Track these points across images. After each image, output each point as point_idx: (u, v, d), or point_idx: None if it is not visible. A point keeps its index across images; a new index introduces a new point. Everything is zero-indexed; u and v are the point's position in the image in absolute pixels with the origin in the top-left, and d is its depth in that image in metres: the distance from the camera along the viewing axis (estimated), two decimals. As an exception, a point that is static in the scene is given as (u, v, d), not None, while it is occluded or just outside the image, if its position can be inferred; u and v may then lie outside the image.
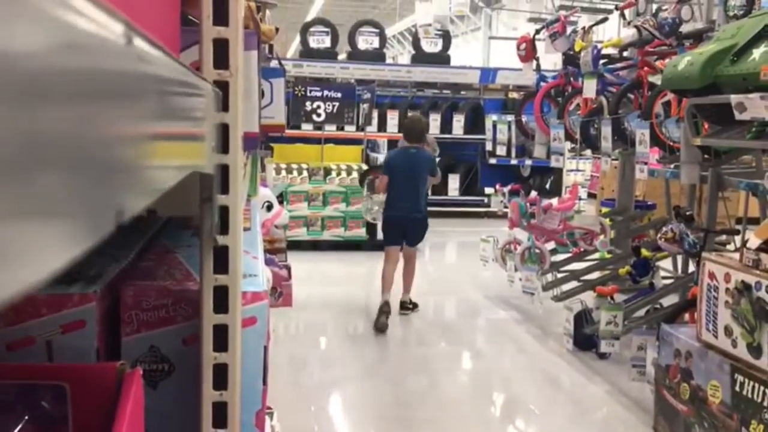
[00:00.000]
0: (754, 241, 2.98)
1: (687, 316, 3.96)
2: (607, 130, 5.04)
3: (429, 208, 6.36)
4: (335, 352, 4.99)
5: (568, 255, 6.06)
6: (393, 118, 10.72)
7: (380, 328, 5.39)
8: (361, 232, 8.41)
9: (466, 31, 21.81)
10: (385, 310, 5.50)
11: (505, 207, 6.43)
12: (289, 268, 3.18)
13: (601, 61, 5.52)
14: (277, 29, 2.27)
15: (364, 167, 8.57)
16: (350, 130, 9.40)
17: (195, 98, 0.74)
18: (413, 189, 5.56)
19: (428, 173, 5.66)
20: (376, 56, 11.19)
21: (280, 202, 4.18)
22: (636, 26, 5.10)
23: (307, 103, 8.40)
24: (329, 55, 10.94)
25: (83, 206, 0.30)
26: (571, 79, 6.02)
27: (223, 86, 0.99)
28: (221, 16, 0.98)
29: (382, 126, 10.60)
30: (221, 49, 0.99)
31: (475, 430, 3.80)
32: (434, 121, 10.47)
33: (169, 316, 1.10)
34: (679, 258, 5.48)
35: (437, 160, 6.72)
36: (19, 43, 0.22)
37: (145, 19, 0.69)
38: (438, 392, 4.30)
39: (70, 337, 1.01)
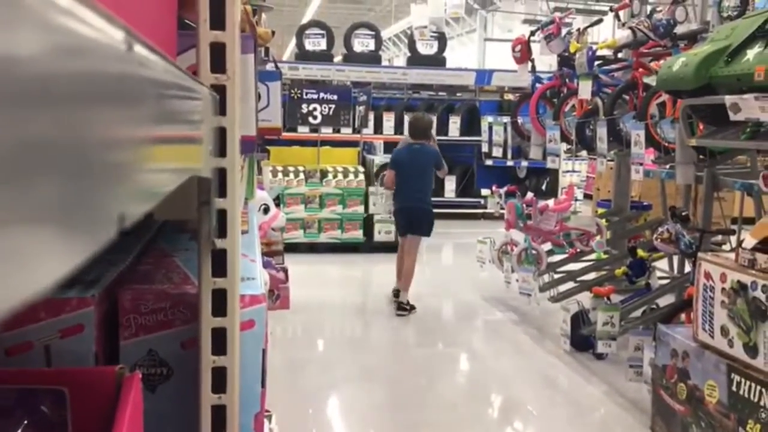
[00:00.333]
0: (749, 241, 2.99)
1: (683, 316, 3.96)
2: (602, 131, 5.06)
3: None
4: (333, 355, 4.99)
5: (565, 256, 6.07)
6: (389, 120, 10.73)
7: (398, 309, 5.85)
8: (358, 234, 8.41)
9: (461, 33, 21.84)
10: (396, 295, 5.99)
11: (502, 208, 6.44)
12: (286, 271, 3.18)
13: (596, 63, 5.53)
14: (273, 32, 2.27)
15: (361, 169, 8.59)
16: (346, 132, 9.41)
17: (192, 102, 0.74)
18: (418, 182, 5.90)
19: (433, 167, 5.98)
20: (372, 58, 11.20)
21: (277, 205, 4.18)
22: (631, 28, 5.12)
23: (303, 106, 8.40)
24: (325, 57, 10.94)
25: (85, 212, 0.30)
26: (567, 80, 6.03)
27: (220, 90, 1.00)
28: (218, 20, 0.99)
29: (378, 128, 10.60)
30: (218, 52, 0.99)
31: (473, 431, 3.80)
32: (430, 122, 10.46)
33: (168, 320, 1.10)
34: (675, 258, 5.49)
35: None
36: (18, 49, 0.23)
37: (142, 23, 0.69)
38: (436, 394, 4.31)
39: (69, 341, 1.01)
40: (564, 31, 6.07)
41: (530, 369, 4.76)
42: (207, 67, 0.99)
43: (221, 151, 1.00)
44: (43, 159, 0.25)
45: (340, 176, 8.43)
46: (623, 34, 5.32)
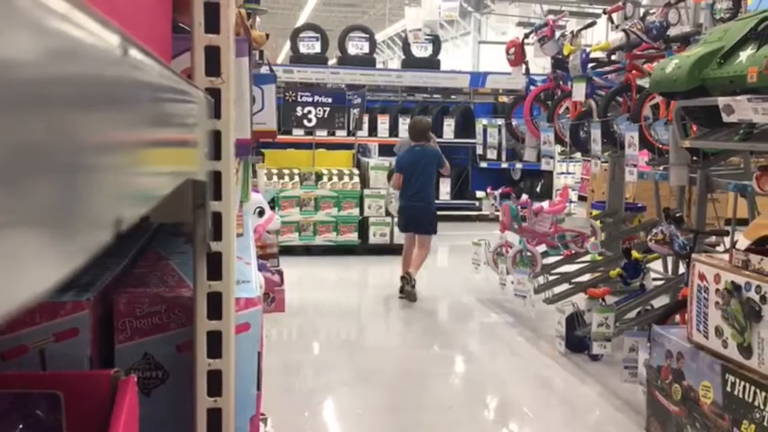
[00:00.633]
0: (743, 242, 3.01)
1: (678, 317, 3.98)
2: (596, 133, 5.07)
3: None
4: (328, 357, 4.98)
5: (560, 257, 6.08)
6: (384, 123, 10.74)
7: (405, 296, 6.24)
8: (353, 237, 8.41)
9: (455, 35, 21.87)
10: (404, 280, 6.31)
11: (497, 210, 6.45)
12: (281, 274, 3.18)
13: (590, 65, 5.55)
14: (267, 35, 2.27)
15: (356, 172, 8.59)
16: (341, 135, 9.41)
17: (187, 105, 0.74)
18: (419, 182, 6.31)
19: (435, 166, 6.36)
20: (367, 61, 11.20)
21: (272, 208, 4.18)
22: (624, 30, 5.13)
23: (298, 109, 8.40)
24: (319, 60, 10.94)
25: (81, 216, 0.30)
26: (561, 82, 6.04)
27: (215, 93, 1.00)
28: (212, 24, 0.99)
29: (372, 131, 10.61)
30: (213, 56, 0.99)
31: (468, 433, 3.80)
32: (425, 125, 10.48)
33: (163, 323, 1.10)
34: (670, 259, 5.50)
35: None
36: (14, 52, 0.23)
37: (137, 27, 0.69)
38: (431, 396, 4.31)
39: (64, 345, 1.01)
40: (558, 33, 6.09)
41: (526, 370, 4.76)
42: (202, 71, 0.99)
43: (216, 154, 1.00)
44: (39, 162, 0.25)
45: (335, 179, 8.43)
46: (616, 37, 5.33)
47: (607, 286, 4.98)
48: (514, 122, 6.66)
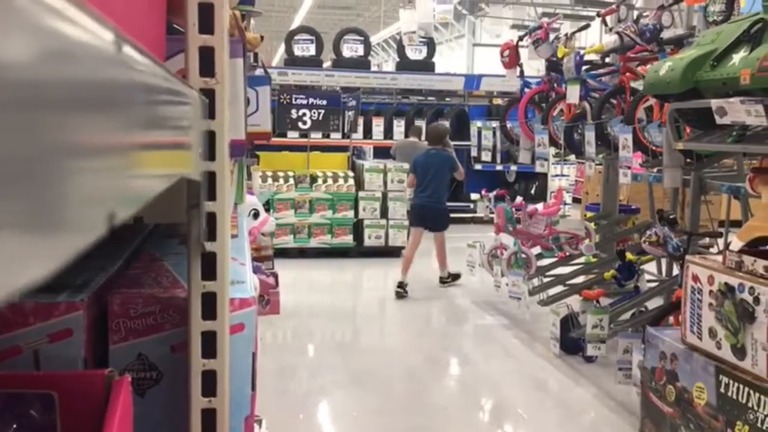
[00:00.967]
0: (736, 244, 3.02)
1: (672, 318, 3.99)
2: (590, 135, 5.09)
3: None
4: (323, 360, 4.98)
5: (554, 259, 6.09)
6: (378, 125, 10.74)
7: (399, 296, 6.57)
8: (348, 239, 8.41)
9: (450, 38, 21.91)
10: (399, 288, 6.57)
11: (491, 212, 6.46)
12: (276, 276, 3.17)
13: (584, 67, 5.57)
14: (262, 37, 2.27)
15: (351, 174, 8.60)
16: (336, 137, 9.41)
17: (182, 106, 0.75)
18: (432, 183, 6.70)
19: (449, 170, 6.77)
20: (361, 64, 11.22)
21: (267, 210, 4.17)
22: (618, 33, 5.15)
23: (293, 111, 8.40)
24: (314, 62, 10.95)
25: (75, 211, 0.30)
26: (555, 85, 6.06)
27: (209, 94, 1.00)
28: (207, 25, 0.99)
29: (367, 133, 10.62)
30: (207, 57, 1.00)
31: (463, 435, 3.80)
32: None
33: (157, 324, 1.10)
34: (664, 261, 5.52)
35: None
36: (7, 52, 0.23)
37: (131, 27, 0.69)
38: (426, 398, 4.31)
39: (58, 346, 1.01)
40: (552, 36, 6.11)
41: (520, 372, 4.77)
42: (196, 71, 0.99)
43: (211, 154, 1.00)
44: (32, 159, 0.26)
45: (329, 181, 8.42)
46: (610, 39, 5.35)
47: (602, 288, 4.99)
48: (508, 124, 6.68)
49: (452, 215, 10.99)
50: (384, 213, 8.50)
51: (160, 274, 1.24)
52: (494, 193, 6.51)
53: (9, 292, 0.23)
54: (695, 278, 3.08)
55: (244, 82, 1.48)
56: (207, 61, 0.99)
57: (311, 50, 10.87)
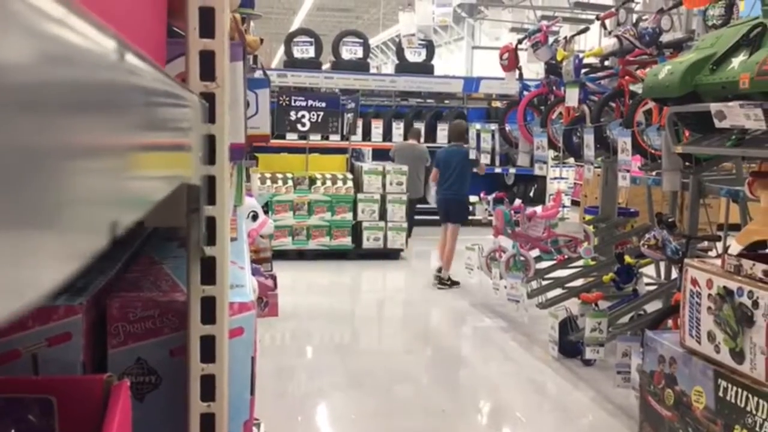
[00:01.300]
0: (735, 248, 3.02)
1: (670, 322, 3.99)
2: (589, 138, 5.09)
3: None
4: (322, 362, 4.97)
5: (553, 262, 6.09)
6: (377, 128, 10.75)
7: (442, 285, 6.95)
8: (346, 241, 8.41)
9: (449, 40, 21.93)
10: (442, 282, 7.00)
11: (490, 215, 6.46)
12: (274, 278, 3.17)
13: (583, 71, 5.57)
14: (261, 40, 2.27)
15: (350, 176, 8.60)
16: (335, 139, 9.41)
17: (182, 110, 0.74)
18: (453, 176, 7.17)
19: (468, 163, 7.16)
20: (360, 66, 11.22)
21: (266, 212, 4.17)
22: (617, 36, 5.16)
23: (292, 113, 8.40)
24: (313, 65, 10.95)
25: (77, 221, 0.30)
26: (554, 88, 6.06)
27: (209, 98, 1.00)
28: (207, 29, 0.99)
29: (366, 135, 10.62)
30: (207, 60, 0.99)
31: (462, 438, 3.80)
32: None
33: (156, 328, 1.10)
34: (662, 264, 5.52)
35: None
36: (9, 56, 0.23)
37: (132, 31, 0.69)
38: (424, 401, 4.30)
39: (56, 350, 1.00)
40: (551, 39, 6.11)
41: (519, 375, 4.76)
42: (196, 75, 0.99)
43: (210, 158, 1.00)
44: (35, 168, 0.25)
45: (328, 183, 8.42)
46: (609, 43, 5.36)
47: (600, 291, 4.99)
48: (507, 127, 6.67)
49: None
50: (383, 215, 8.50)
51: (159, 277, 1.23)
52: (493, 195, 6.51)
53: (15, 308, 0.23)
54: (694, 282, 3.08)
55: (244, 86, 1.47)
56: (207, 65, 0.99)
57: (310, 52, 10.88)
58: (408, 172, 8.56)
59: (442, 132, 10.93)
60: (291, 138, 9.37)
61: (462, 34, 20.30)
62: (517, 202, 6.30)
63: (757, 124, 3.12)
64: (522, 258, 5.97)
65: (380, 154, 9.74)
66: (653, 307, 4.94)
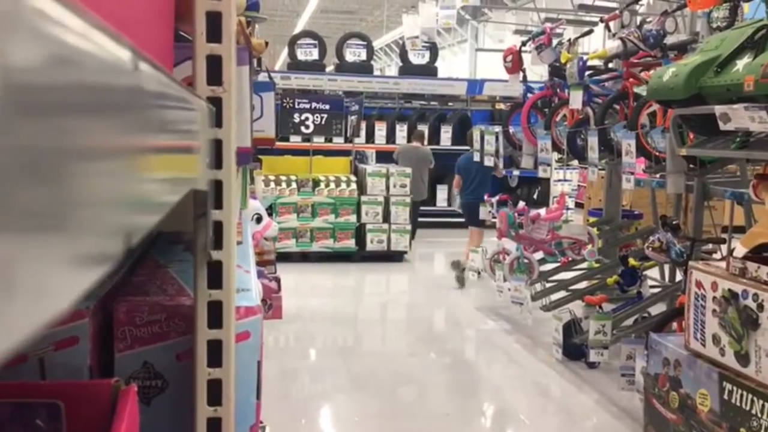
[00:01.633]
0: (740, 250, 3.01)
1: (675, 324, 3.98)
2: (593, 141, 5.08)
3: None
4: (325, 364, 4.97)
5: (557, 265, 6.08)
6: (381, 130, 10.74)
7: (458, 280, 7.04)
8: (350, 244, 8.41)
9: (452, 43, 21.93)
10: (456, 266, 7.15)
11: (494, 217, 6.46)
12: (278, 281, 3.17)
13: (587, 73, 5.56)
14: (266, 43, 2.27)
15: (353, 178, 8.60)
16: (338, 141, 9.42)
17: (190, 115, 0.74)
18: (475, 181, 7.46)
19: (489, 168, 7.18)
20: (364, 68, 11.22)
21: (270, 214, 4.17)
22: (621, 38, 5.15)
23: (296, 115, 8.40)
24: (317, 67, 10.96)
25: (93, 234, 0.30)
26: (558, 90, 6.06)
27: (216, 102, 1.00)
28: (214, 33, 0.99)
29: (370, 137, 10.62)
30: (214, 65, 1.00)
31: (466, 441, 3.79)
32: (422, 132, 10.49)
33: (163, 332, 1.10)
34: (667, 267, 5.51)
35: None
36: (21, 61, 0.23)
37: (140, 36, 0.69)
38: (428, 404, 4.30)
39: (63, 354, 1.00)
40: (555, 41, 6.11)
41: (522, 378, 4.76)
42: (203, 80, 0.99)
43: (217, 163, 1.00)
44: (46, 178, 0.25)
45: (332, 185, 8.42)
46: (614, 45, 5.35)
47: (604, 294, 4.98)
48: (511, 129, 6.67)
49: (453, 220, 11.09)
50: (386, 217, 8.49)
51: (165, 281, 1.23)
52: (497, 198, 6.50)
53: (32, 329, 0.23)
54: (699, 284, 3.08)
55: (250, 89, 1.48)
56: (214, 69, 0.99)
57: (314, 55, 10.89)
58: (411, 175, 8.56)
59: (446, 134, 10.92)
60: (295, 140, 9.38)
61: (465, 37, 20.30)
62: (521, 204, 6.29)
63: (761, 127, 3.11)
64: (526, 260, 5.96)
65: (384, 157, 9.74)
66: (658, 309, 4.93)
